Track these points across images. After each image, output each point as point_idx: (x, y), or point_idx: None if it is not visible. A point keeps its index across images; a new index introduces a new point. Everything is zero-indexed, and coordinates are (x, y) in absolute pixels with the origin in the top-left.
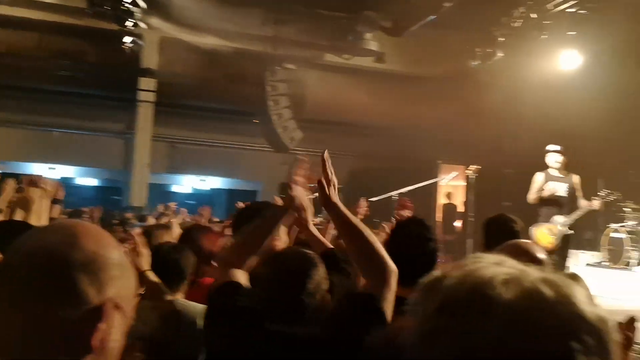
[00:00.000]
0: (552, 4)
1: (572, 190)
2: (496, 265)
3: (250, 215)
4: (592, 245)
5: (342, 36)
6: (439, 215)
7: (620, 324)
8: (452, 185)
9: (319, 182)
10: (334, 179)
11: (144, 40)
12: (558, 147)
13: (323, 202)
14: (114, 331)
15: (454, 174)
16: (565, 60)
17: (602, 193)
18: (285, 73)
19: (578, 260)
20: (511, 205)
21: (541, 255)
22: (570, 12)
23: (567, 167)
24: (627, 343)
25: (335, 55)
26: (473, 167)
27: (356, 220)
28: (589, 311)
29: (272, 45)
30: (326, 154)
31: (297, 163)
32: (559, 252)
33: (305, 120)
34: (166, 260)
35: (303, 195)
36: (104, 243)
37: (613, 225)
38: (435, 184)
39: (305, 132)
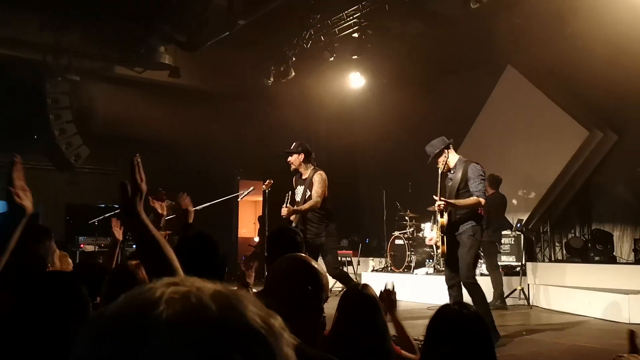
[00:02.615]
0: (338, 29)
1: (307, 192)
2: (170, 285)
3: None
4: (378, 252)
5: (133, 48)
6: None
7: (381, 292)
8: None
9: (123, 185)
10: (144, 187)
11: None
12: (292, 146)
13: (125, 207)
14: None
15: (250, 189)
16: (352, 82)
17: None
18: (69, 85)
19: (367, 267)
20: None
21: (316, 265)
22: (355, 37)
23: (303, 165)
24: (393, 304)
25: (127, 68)
26: (267, 181)
27: (155, 231)
28: (255, 321)
29: (52, 54)
30: (138, 158)
31: (15, 166)
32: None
33: (93, 136)
34: None
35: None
36: None
37: (396, 233)
38: (235, 200)
39: (93, 149)
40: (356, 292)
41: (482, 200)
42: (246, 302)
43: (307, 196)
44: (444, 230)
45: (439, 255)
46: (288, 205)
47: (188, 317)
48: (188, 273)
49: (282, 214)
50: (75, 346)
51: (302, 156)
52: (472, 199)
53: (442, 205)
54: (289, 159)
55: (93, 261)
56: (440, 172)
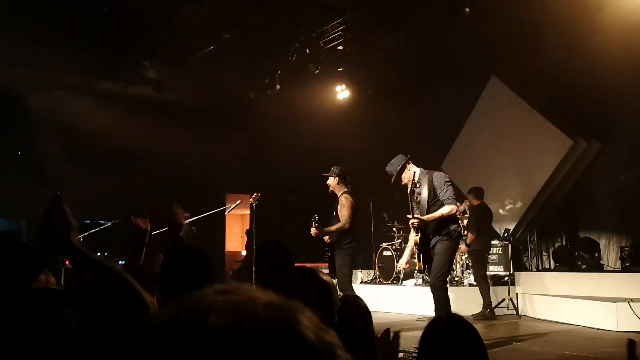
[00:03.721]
0: (323, 41)
1: (336, 211)
2: (221, 294)
3: None
4: (367, 264)
5: (117, 62)
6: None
7: (379, 337)
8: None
9: (45, 224)
10: (73, 221)
11: None
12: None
13: (61, 246)
14: None
15: (237, 202)
16: (337, 94)
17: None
18: (53, 99)
19: (355, 279)
20: (294, 230)
21: (327, 277)
22: (340, 49)
23: (338, 187)
24: (392, 354)
25: (111, 83)
26: (254, 194)
27: (100, 257)
28: (312, 337)
29: (35, 69)
30: (58, 195)
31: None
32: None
33: (77, 151)
34: None
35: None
36: None
37: (384, 245)
38: (221, 213)
39: (78, 165)
40: (350, 302)
41: (454, 207)
42: (301, 315)
43: (334, 214)
44: (419, 247)
45: (417, 271)
46: (317, 225)
47: (240, 328)
48: (178, 286)
49: (311, 233)
50: (113, 350)
51: (337, 179)
52: (442, 210)
53: (416, 223)
54: (327, 181)
55: (87, 279)
56: (409, 190)
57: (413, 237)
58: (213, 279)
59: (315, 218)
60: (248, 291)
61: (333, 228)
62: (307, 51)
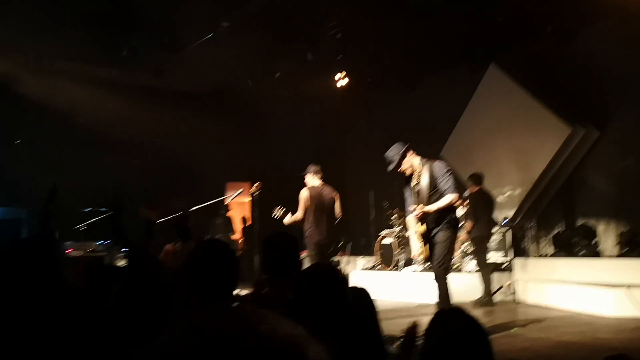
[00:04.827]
0: (321, 28)
1: None
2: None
3: None
4: (367, 251)
5: (116, 50)
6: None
7: (408, 328)
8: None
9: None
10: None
11: None
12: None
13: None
14: None
15: (239, 190)
16: (336, 82)
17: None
18: (51, 87)
19: (356, 266)
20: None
21: (341, 275)
22: (338, 37)
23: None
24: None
25: (110, 69)
26: (256, 184)
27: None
28: None
29: (34, 56)
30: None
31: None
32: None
33: (76, 139)
34: None
35: None
36: None
37: (384, 232)
38: (223, 202)
39: (78, 152)
40: (355, 294)
41: (455, 196)
42: (310, 350)
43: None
44: (424, 237)
45: (421, 261)
46: (283, 213)
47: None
48: (204, 277)
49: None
50: None
51: (313, 176)
52: (444, 200)
53: (420, 215)
54: (305, 180)
55: (105, 264)
56: (415, 181)
57: (413, 225)
58: (238, 270)
59: (279, 211)
60: (258, 323)
61: (290, 220)
62: (306, 38)
